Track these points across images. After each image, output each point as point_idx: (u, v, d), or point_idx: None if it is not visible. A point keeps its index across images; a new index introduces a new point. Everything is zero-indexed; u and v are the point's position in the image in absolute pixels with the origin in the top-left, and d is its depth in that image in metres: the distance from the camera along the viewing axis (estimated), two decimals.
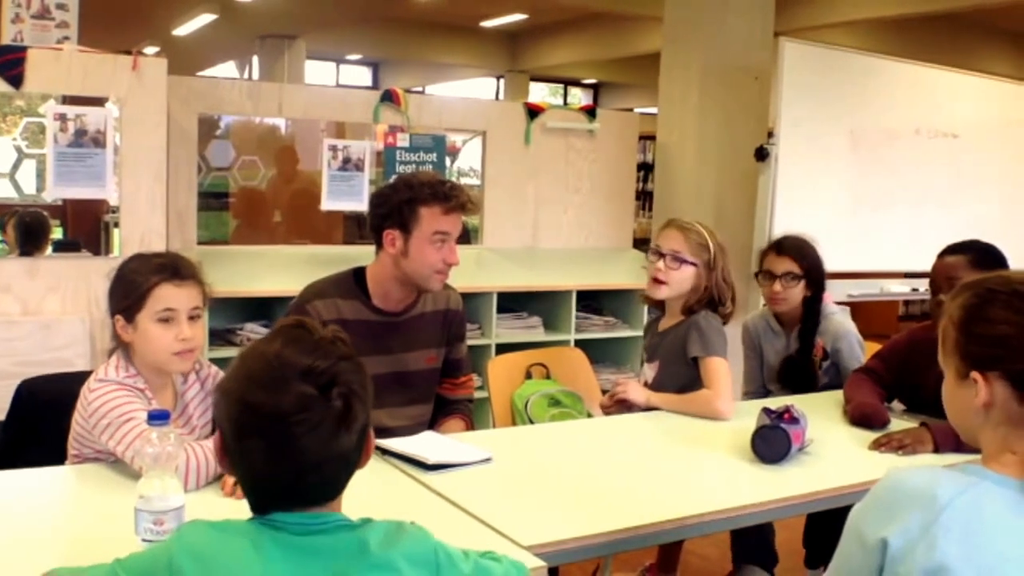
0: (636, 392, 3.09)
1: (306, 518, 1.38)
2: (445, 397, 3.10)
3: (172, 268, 2.29)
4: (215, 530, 1.37)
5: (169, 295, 2.27)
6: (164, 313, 2.26)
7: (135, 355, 2.30)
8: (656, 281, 3.14)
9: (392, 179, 3.28)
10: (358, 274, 2.94)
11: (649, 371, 3.24)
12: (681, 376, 3.08)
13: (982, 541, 1.40)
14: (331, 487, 1.41)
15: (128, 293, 2.27)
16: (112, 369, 2.26)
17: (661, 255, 3.12)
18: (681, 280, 3.12)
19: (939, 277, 3.07)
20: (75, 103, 4.08)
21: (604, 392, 3.33)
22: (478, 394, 3.49)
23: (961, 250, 3.08)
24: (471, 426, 3.09)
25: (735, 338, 3.99)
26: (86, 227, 5.45)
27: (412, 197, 2.81)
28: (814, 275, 3.51)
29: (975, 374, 1.52)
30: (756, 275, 3.64)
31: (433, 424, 3.00)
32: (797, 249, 3.54)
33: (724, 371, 3.01)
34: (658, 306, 3.29)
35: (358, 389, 1.39)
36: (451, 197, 2.81)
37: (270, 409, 1.34)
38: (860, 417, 2.97)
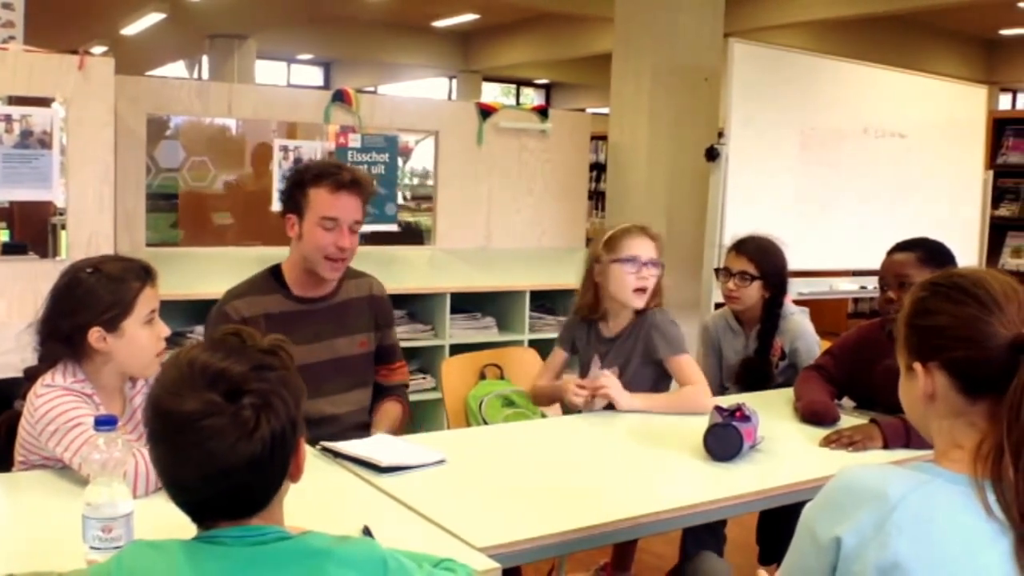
0: (619, 394, 2.99)
1: (244, 531, 1.37)
2: (381, 384, 3.13)
3: (147, 270, 2.31)
4: (154, 550, 1.36)
5: (151, 297, 2.30)
6: (150, 315, 2.29)
7: (106, 364, 2.27)
8: (641, 291, 3.11)
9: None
10: (275, 270, 2.99)
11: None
12: (649, 378, 3.09)
13: (934, 538, 1.42)
14: (249, 497, 1.38)
15: (114, 302, 2.23)
16: (59, 375, 2.23)
17: (643, 264, 3.10)
18: (655, 284, 3.16)
19: (888, 274, 3.10)
20: (21, 103, 4.02)
21: None
22: (432, 395, 3.50)
23: (910, 247, 3.11)
24: (408, 410, 3.14)
25: (688, 337, 4.02)
26: (33, 230, 5.37)
27: (300, 180, 2.87)
28: (773, 278, 3.57)
29: (916, 364, 1.55)
30: (717, 271, 3.69)
31: (371, 410, 3.05)
32: (756, 250, 3.59)
33: (696, 365, 3.08)
34: (590, 314, 3.26)
35: (275, 401, 1.36)
36: (333, 175, 2.84)
37: (175, 415, 1.34)
38: (810, 414, 3.00)
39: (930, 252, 3.08)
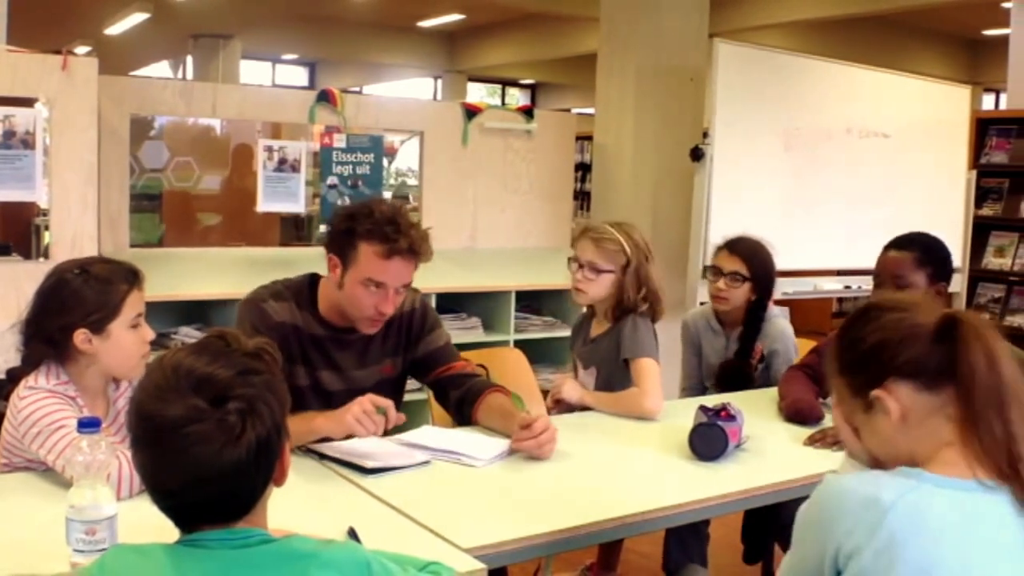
0: (571, 390, 3.13)
1: (228, 534, 1.36)
2: (458, 374, 2.90)
3: (134, 273, 2.30)
4: (137, 554, 1.35)
5: (138, 301, 2.29)
6: (136, 319, 2.28)
7: (90, 366, 2.26)
8: (577, 289, 3.18)
9: (357, 201, 3.02)
10: (312, 284, 2.80)
11: (587, 378, 3.24)
12: (624, 380, 3.09)
13: (927, 542, 1.43)
14: (233, 502, 1.37)
15: (101, 304, 2.22)
16: (43, 377, 2.22)
17: (580, 265, 3.15)
18: (600, 287, 3.14)
19: (884, 273, 3.07)
20: (4, 104, 3.99)
21: (544, 392, 3.34)
22: (417, 395, 3.48)
23: (906, 246, 3.08)
24: (506, 392, 2.87)
25: (673, 338, 4.01)
26: (16, 230, 5.34)
27: (352, 228, 2.59)
28: (762, 281, 3.54)
29: (876, 392, 1.57)
30: (705, 269, 3.65)
31: (471, 411, 2.81)
32: (750, 251, 3.56)
33: (652, 371, 3.04)
34: (587, 307, 3.32)
35: (260, 407, 1.35)
36: (390, 240, 2.55)
37: (159, 420, 1.33)
38: (794, 413, 3.00)
39: (926, 251, 3.06)
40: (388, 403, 2.44)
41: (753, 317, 3.55)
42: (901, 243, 3.11)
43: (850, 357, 1.64)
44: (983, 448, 1.50)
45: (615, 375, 3.13)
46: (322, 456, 2.42)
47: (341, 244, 2.63)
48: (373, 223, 2.57)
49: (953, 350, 1.53)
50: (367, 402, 2.41)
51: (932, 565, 1.42)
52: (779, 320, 3.59)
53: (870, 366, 1.59)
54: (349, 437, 2.38)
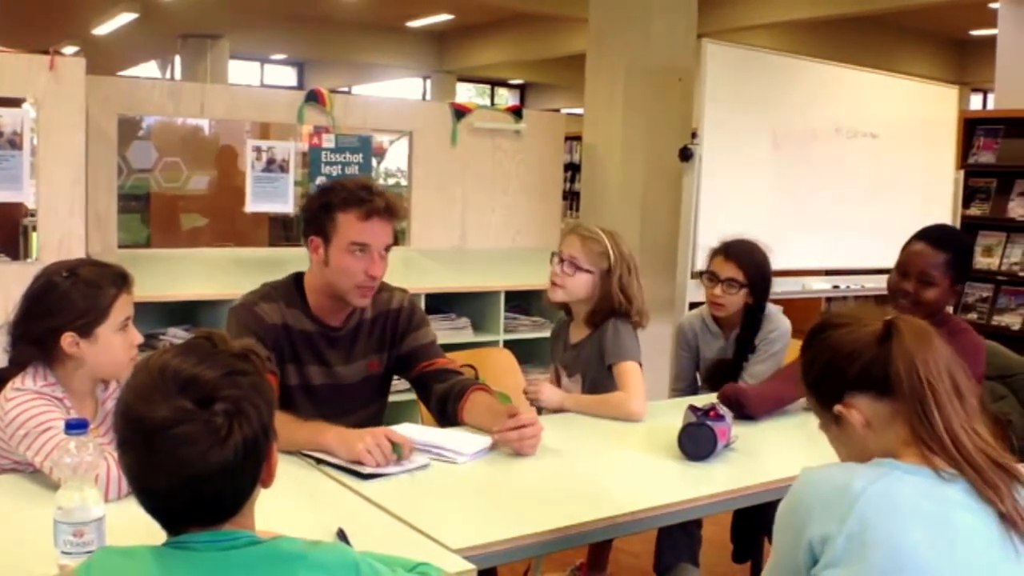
0: (549, 394, 3.08)
1: (215, 536, 1.35)
2: (441, 369, 2.92)
3: (123, 276, 2.29)
4: (124, 557, 1.34)
5: (126, 304, 2.28)
6: (124, 322, 2.27)
7: (78, 369, 2.24)
8: (553, 284, 3.15)
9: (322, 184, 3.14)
10: (298, 281, 2.83)
11: (572, 386, 3.22)
12: (610, 385, 3.08)
13: (897, 526, 1.48)
14: (221, 504, 1.36)
15: (89, 308, 2.21)
16: (30, 379, 2.20)
17: (561, 260, 3.13)
18: (576, 286, 3.12)
19: (912, 267, 3.00)
20: None
21: None
22: (406, 396, 3.47)
23: (943, 245, 3.00)
24: (489, 390, 2.89)
25: (662, 338, 4.01)
26: (4, 231, 5.33)
27: (328, 202, 2.69)
28: (759, 286, 3.48)
29: (837, 408, 1.66)
30: (702, 274, 3.59)
31: (457, 409, 2.81)
32: (746, 256, 3.48)
33: (636, 374, 3.03)
34: (564, 310, 3.29)
35: (247, 408, 1.34)
36: (366, 201, 2.66)
37: (145, 422, 1.32)
38: (723, 398, 2.97)
39: (959, 254, 3.02)
40: (406, 440, 2.44)
41: (751, 320, 3.50)
42: (937, 241, 3.02)
43: (811, 377, 1.73)
44: (928, 447, 1.57)
45: (600, 380, 3.11)
46: (319, 461, 2.40)
47: (320, 221, 2.71)
48: (347, 192, 2.70)
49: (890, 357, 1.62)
50: (382, 436, 2.40)
51: (903, 549, 1.46)
52: (776, 315, 3.54)
53: (827, 384, 1.69)
54: (355, 462, 2.36)
